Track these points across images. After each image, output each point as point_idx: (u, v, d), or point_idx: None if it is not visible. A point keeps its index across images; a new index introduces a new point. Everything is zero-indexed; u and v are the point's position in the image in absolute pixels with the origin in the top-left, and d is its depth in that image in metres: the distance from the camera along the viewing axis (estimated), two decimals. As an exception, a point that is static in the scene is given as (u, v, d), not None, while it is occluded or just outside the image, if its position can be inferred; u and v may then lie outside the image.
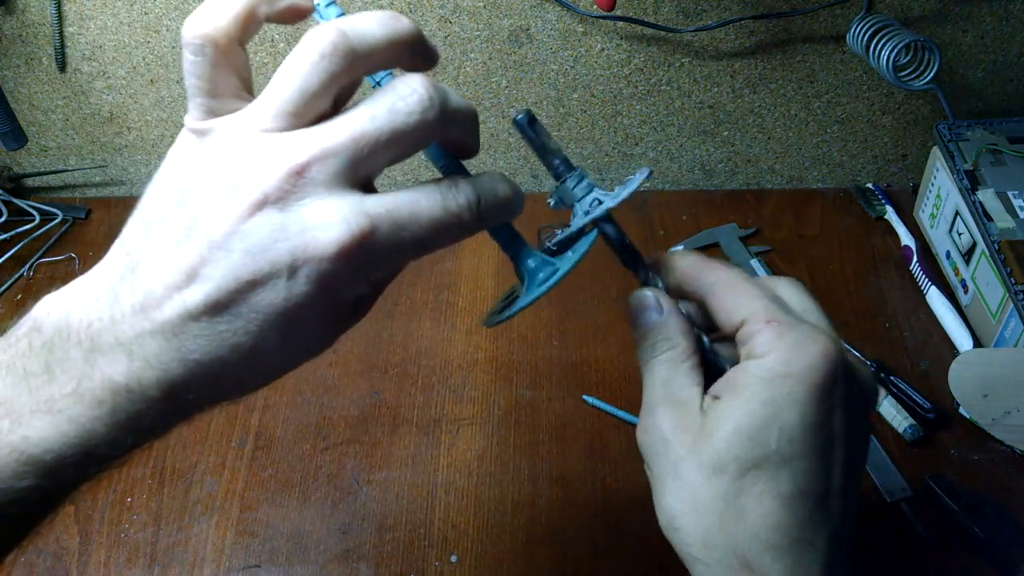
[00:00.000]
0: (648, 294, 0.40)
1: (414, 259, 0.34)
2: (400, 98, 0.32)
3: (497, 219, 0.37)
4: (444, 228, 0.34)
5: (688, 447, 0.36)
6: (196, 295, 0.30)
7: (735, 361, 0.37)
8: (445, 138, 0.37)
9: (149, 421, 0.31)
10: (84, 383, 0.31)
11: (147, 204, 0.35)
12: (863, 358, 0.72)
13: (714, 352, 0.40)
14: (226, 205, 0.30)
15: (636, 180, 0.40)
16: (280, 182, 0.30)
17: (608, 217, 0.40)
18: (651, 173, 0.39)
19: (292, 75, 0.32)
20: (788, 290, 0.39)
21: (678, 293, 0.40)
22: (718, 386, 0.37)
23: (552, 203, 0.42)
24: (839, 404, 0.34)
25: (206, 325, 0.30)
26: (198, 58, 0.33)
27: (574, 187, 0.40)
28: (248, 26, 0.35)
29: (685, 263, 0.40)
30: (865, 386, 0.36)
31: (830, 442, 0.34)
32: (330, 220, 0.30)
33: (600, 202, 0.40)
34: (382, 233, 0.31)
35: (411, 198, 0.33)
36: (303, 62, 0.32)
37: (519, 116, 0.40)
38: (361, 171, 0.32)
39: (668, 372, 0.39)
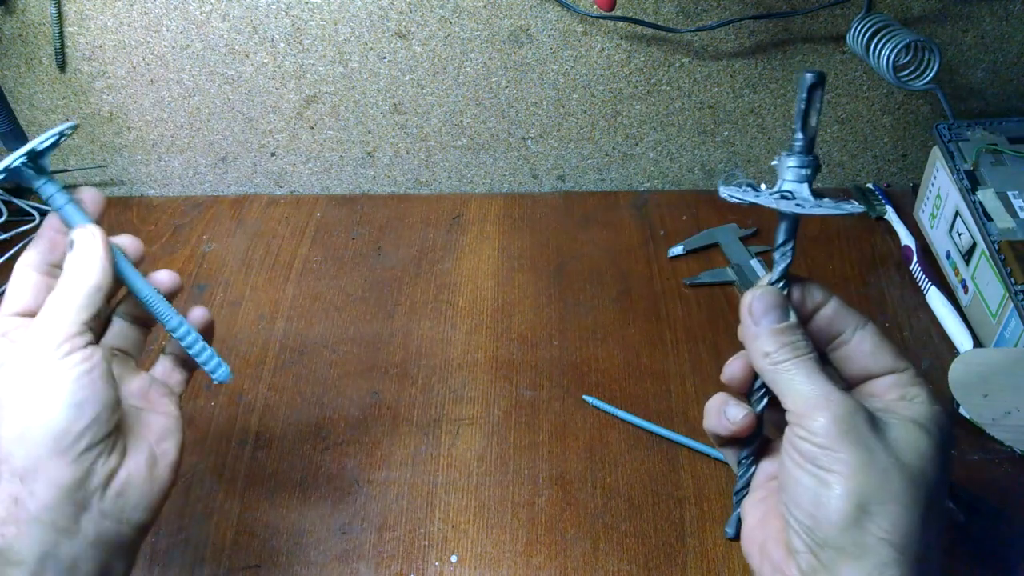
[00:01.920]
0: (778, 292, 0.43)
1: None
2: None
3: None
4: None
5: (890, 448, 0.38)
6: None
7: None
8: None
9: None
10: None
11: None
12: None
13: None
14: None
15: (847, 208, 0.41)
16: None
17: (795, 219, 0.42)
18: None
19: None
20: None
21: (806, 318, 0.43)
22: (868, 400, 0.41)
23: (773, 163, 0.44)
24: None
25: None
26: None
27: (789, 170, 0.42)
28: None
29: (832, 296, 0.44)
30: None
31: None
32: None
33: (800, 205, 0.41)
34: None
35: None
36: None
37: (810, 75, 0.40)
38: None
39: (810, 370, 0.40)
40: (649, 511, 0.64)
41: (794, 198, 0.41)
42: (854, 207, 0.41)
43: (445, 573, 0.61)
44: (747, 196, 0.42)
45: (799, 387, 0.40)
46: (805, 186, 0.42)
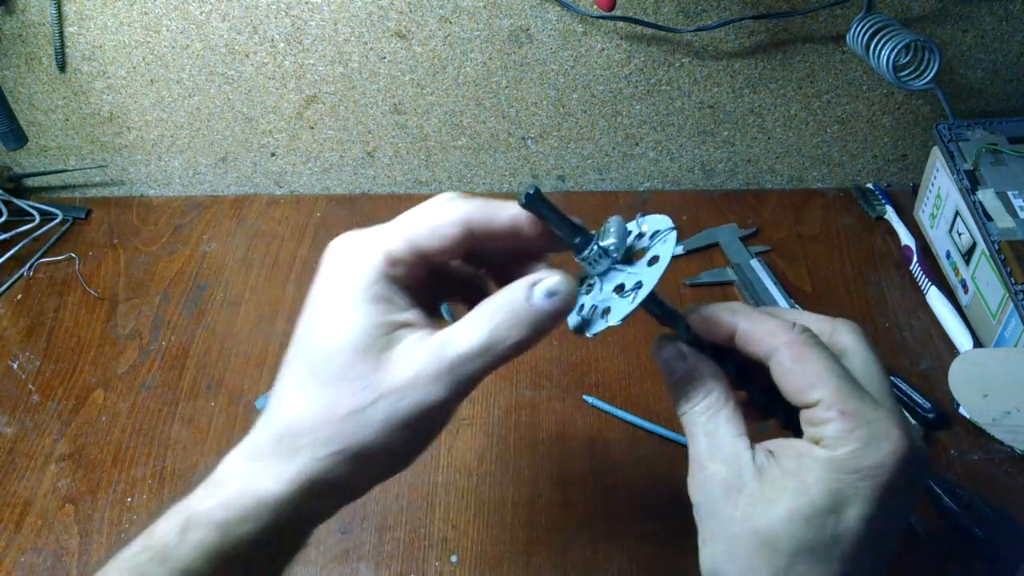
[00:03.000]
0: (666, 344, 0.40)
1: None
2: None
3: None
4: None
5: (743, 512, 0.36)
6: None
7: (768, 387, 0.37)
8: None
9: None
10: None
11: None
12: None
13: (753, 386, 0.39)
14: None
15: (666, 251, 0.38)
16: None
17: (648, 297, 0.38)
18: (676, 231, 0.39)
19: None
20: (848, 337, 0.39)
21: (718, 343, 0.40)
22: (777, 446, 0.37)
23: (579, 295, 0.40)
24: (900, 498, 0.35)
25: None
26: None
27: (595, 264, 0.39)
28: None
29: (739, 318, 0.39)
30: (922, 470, 0.36)
31: (886, 531, 0.35)
32: None
33: (639, 284, 0.38)
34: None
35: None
36: None
37: (527, 190, 0.37)
38: None
39: (709, 423, 0.38)
40: (649, 511, 0.64)
41: (632, 288, 0.38)
42: (669, 239, 0.38)
43: (445, 573, 0.61)
44: (606, 323, 0.38)
45: (693, 441, 0.39)
46: (614, 265, 0.39)
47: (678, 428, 0.68)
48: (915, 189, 0.87)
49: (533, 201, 0.37)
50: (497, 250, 0.40)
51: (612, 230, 0.39)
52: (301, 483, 0.36)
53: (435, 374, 0.36)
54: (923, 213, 0.83)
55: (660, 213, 0.40)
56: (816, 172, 0.90)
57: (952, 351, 0.73)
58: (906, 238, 0.82)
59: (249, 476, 0.37)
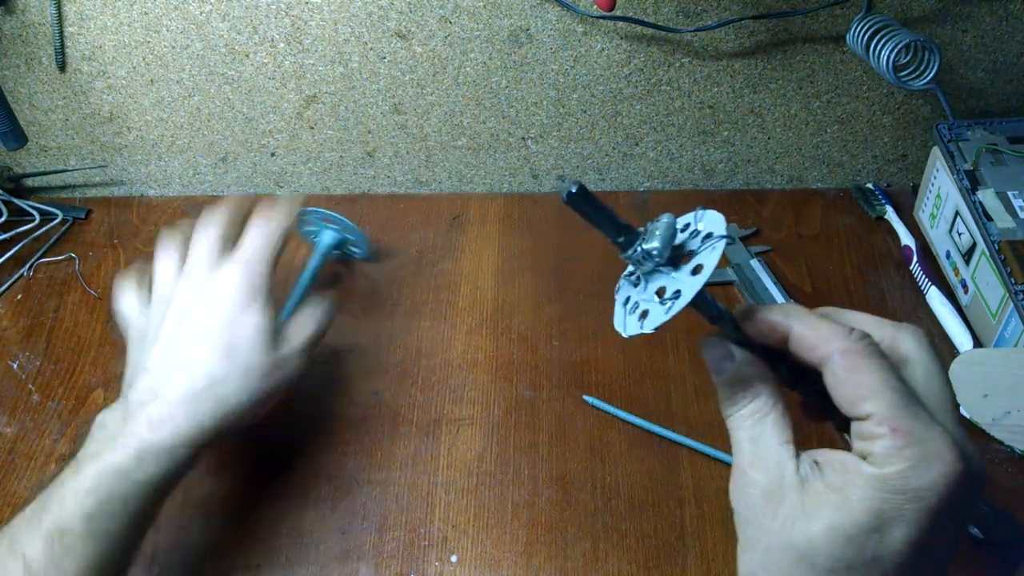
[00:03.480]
0: (714, 343, 0.39)
1: None
2: None
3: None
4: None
5: (781, 524, 0.34)
6: None
7: (821, 390, 0.36)
8: None
9: None
10: None
11: None
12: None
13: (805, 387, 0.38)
14: None
15: (711, 261, 0.36)
16: None
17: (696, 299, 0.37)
18: (726, 240, 0.37)
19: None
20: (911, 345, 0.37)
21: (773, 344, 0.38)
22: (824, 457, 0.35)
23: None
24: (949, 521, 0.33)
25: None
26: None
27: (639, 265, 0.38)
28: None
29: (792, 321, 0.37)
30: (976, 493, 0.34)
31: (932, 553, 0.34)
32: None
33: (678, 294, 0.37)
34: None
35: None
36: None
37: (570, 187, 0.36)
38: None
39: (754, 428, 0.37)
40: (649, 511, 0.64)
41: (670, 296, 0.37)
42: (718, 245, 0.37)
43: (445, 573, 0.61)
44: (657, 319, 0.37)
45: (737, 446, 0.37)
46: (659, 267, 0.38)
47: (678, 428, 0.68)
48: (915, 189, 0.87)
49: (576, 200, 0.36)
50: None
51: (658, 233, 0.38)
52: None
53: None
54: (923, 213, 0.83)
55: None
56: (816, 172, 0.90)
57: (952, 351, 0.73)
58: (906, 238, 0.82)
59: None
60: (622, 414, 0.69)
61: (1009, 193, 0.73)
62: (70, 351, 0.77)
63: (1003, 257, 0.68)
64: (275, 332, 0.59)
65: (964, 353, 0.70)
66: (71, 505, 0.50)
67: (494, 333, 0.77)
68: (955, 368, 0.66)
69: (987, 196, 0.73)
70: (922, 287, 0.78)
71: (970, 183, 0.74)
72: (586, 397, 0.71)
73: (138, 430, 0.53)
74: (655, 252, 0.37)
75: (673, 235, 0.38)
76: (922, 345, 0.37)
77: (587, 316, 0.78)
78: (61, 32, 0.80)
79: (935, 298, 0.77)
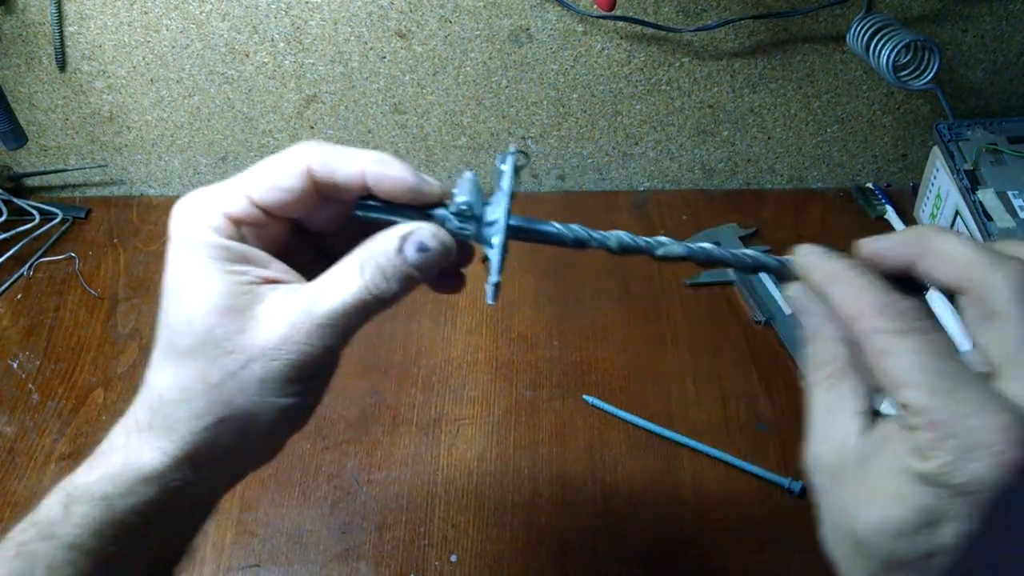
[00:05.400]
0: (796, 293, 0.36)
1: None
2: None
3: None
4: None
5: (841, 507, 0.32)
6: None
7: None
8: None
9: None
10: None
11: None
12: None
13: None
14: None
15: (505, 179, 0.38)
16: None
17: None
18: (516, 155, 0.38)
19: None
20: (1002, 294, 0.32)
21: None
22: (889, 433, 0.32)
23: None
24: (1012, 511, 0.29)
25: None
26: None
27: (467, 231, 0.39)
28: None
29: (833, 286, 0.34)
30: None
31: (995, 542, 0.30)
32: None
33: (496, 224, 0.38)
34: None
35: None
36: None
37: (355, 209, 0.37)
38: None
39: (827, 395, 0.34)
40: (649, 511, 0.64)
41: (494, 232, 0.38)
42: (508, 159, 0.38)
43: (445, 573, 0.61)
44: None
45: (812, 414, 0.34)
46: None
47: (678, 428, 0.68)
48: (915, 189, 0.87)
49: (368, 211, 0.37)
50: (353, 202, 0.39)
51: (460, 189, 0.37)
52: (180, 456, 0.36)
53: (305, 331, 0.35)
54: (923, 213, 0.83)
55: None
56: (816, 172, 0.90)
57: (952, 351, 0.73)
58: (906, 238, 0.82)
59: (129, 450, 0.37)
60: (622, 414, 0.70)
61: (1009, 193, 0.73)
62: (70, 351, 0.77)
63: (1003, 257, 0.68)
64: None
65: (964, 353, 0.69)
66: None
67: (494, 333, 0.77)
68: (955, 368, 0.66)
69: (987, 196, 0.73)
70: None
71: (970, 183, 0.74)
72: (586, 397, 0.71)
73: None
74: (465, 206, 0.37)
75: (479, 188, 0.38)
76: (1017, 298, 0.32)
77: (587, 316, 0.78)
78: (61, 32, 0.80)
79: (935, 298, 0.77)
